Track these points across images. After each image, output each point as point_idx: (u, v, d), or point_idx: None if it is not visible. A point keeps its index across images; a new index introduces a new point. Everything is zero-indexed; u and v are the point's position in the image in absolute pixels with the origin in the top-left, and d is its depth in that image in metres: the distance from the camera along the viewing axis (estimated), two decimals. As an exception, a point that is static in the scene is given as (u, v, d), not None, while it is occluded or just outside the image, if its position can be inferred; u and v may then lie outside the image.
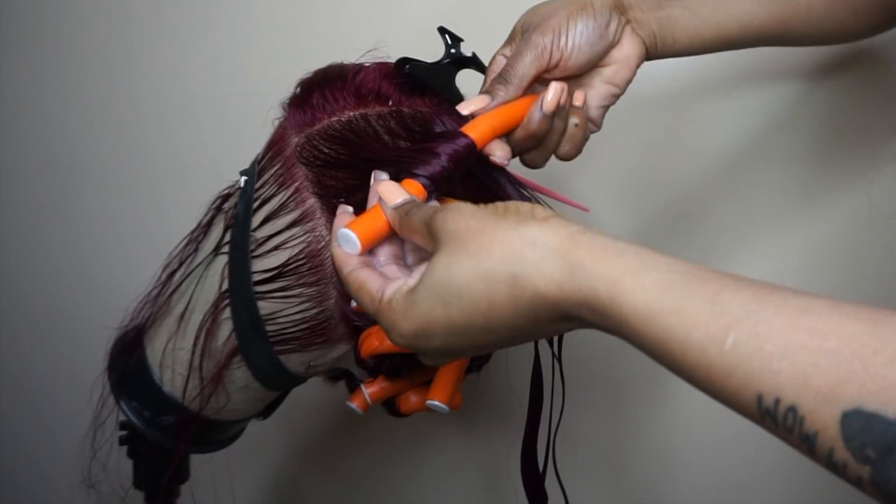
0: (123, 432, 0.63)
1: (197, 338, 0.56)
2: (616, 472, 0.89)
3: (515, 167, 0.54)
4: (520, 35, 0.56)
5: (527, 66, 0.53)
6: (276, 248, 0.52)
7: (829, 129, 0.77)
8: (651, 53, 0.57)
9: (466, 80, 0.57)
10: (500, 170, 0.52)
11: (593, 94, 0.56)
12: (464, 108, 0.52)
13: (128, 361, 0.60)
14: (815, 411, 0.28)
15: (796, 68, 0.77)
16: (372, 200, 0.48)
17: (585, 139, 0.57)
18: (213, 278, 0.56)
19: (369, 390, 0.57)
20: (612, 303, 0.34)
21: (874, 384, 0.27)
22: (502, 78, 0.53)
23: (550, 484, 0.57)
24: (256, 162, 0.56)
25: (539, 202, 0.49)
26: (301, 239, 0.52)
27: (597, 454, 0.88)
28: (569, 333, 0.58)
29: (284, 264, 0.52)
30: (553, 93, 0.52)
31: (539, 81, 0.55)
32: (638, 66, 0.56)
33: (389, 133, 0.51)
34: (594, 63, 0.55)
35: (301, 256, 0.52)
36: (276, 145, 0.54)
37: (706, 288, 0.33)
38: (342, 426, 0.97)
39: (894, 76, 0.72)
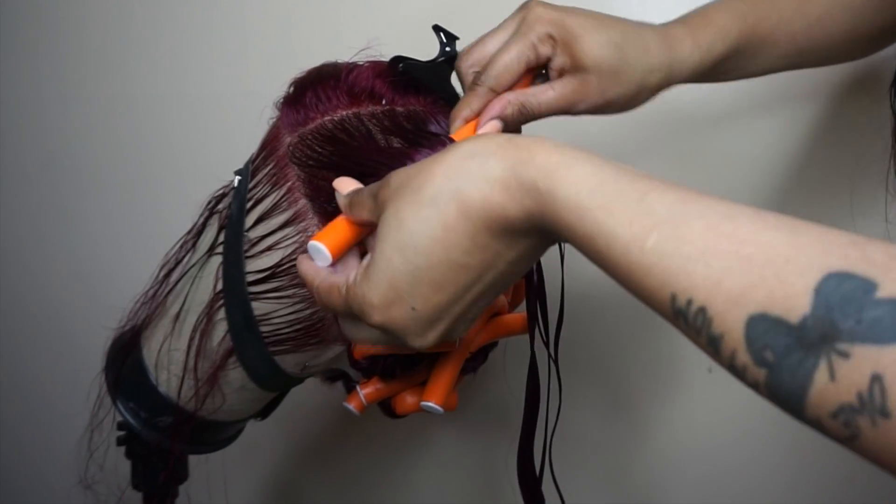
0: (122, 433, 0.63)
1: (192, 338, 0.56)
2: (615, 473, 0.89)
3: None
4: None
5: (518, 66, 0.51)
6: (269, 248, 0.52)
7: (813, 130, 0.77)
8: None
9: (462, 80, 0.57)
10: None
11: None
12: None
13: (124, 362, 0.60)
14: (723, 314, 0.29)
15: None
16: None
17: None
18: (208, 279, 0.55)
19: (365, 391, 0.57)
20: (549, 194, 0.35)
21: (782, 290, 0.28)
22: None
23: (550, 485, 0.57)
24: (251, 161, 0.56)
25: None
26: (294, 239, 0.52)
27: (595, 455, 0.88)
28: (564, 334, 0.58)
29: (278, 264, 0.52)
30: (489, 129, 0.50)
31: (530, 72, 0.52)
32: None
33: (383, 132, 0.51)
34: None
35: (294, 257, 0.51)
36: (269, 145, 0.54)
37: (635, 186, 0.33)
38: (340, 427, 0.97)
39: (878, 77, 0.72)
